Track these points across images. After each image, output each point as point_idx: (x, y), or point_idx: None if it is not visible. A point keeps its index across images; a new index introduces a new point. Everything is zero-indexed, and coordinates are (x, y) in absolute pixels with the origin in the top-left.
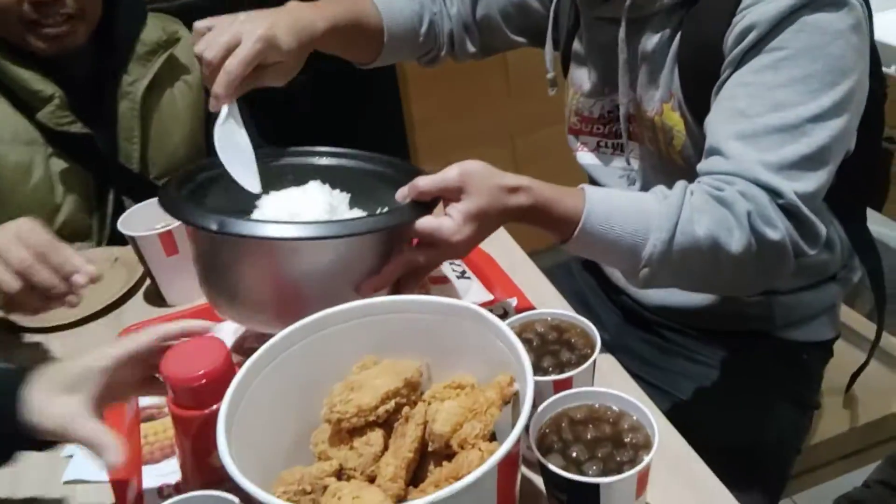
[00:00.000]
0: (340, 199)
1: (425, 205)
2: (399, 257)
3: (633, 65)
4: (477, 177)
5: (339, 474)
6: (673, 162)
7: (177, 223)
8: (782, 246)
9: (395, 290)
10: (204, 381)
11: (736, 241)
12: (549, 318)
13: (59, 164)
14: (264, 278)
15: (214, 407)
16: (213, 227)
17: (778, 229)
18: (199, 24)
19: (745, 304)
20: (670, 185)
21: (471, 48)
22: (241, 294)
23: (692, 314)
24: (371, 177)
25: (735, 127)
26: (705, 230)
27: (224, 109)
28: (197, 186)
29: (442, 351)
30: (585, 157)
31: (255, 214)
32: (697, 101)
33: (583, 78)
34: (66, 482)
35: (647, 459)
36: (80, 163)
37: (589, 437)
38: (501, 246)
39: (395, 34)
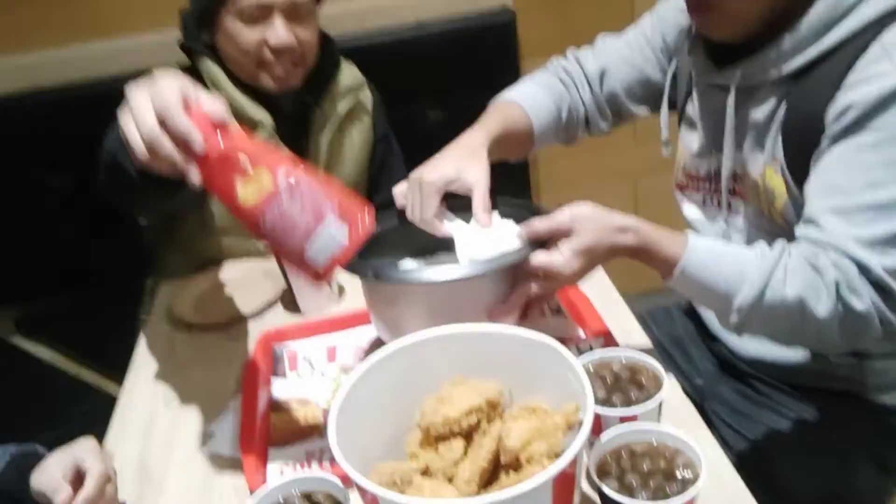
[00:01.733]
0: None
1: (541, 242)
2: (521, 288)
3: (740, 129)
4: (586, 218)
5: (424, 472)
6: (774, 221)
7: None
8: (867, 316)
9: (522, 316)
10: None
11: (823, 306)
12: (623, 359)
13: None
14: (418, 314)
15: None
16: (369, 275)
17: (864, 300)
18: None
19: (837, 364)
20: (770, 243)
21: (602, 125)
22: (397, 324)
23: (784, 369)
24: (503, 215)
25: (831, 201)
26: (795, 291)
27: None
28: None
29: (522, 377)
30: (691, 211)
31: (457, 246)
32: (799, 167)
33: (692, 139)
34: (209, 455)
35: (693, 493)
36: None
37: (645, 468)
38: (599, 287)
39: (541, 131)
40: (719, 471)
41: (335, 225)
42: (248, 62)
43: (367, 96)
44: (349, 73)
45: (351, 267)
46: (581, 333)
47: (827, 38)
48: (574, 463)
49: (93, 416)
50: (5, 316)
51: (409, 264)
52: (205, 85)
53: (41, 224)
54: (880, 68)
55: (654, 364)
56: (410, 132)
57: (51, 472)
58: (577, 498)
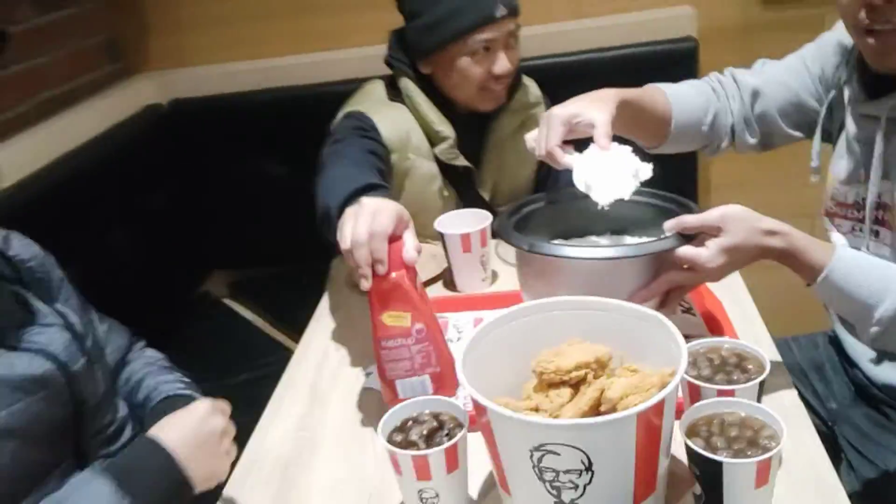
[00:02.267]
0: (645, 167)
1: (689, 236)
2: (664, 276)
3: (888, 159)
4: (736, 219)
5: (534, 411)
6: None
7: (475, 228)
8: None
9: (661, 303)
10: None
11: None
12: (733, 347)
13: (444, 183)
14: (564, 287)
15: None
16: (525, 247)
17: None
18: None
19: None
20: None
21: (750, 140)
22: (544, 295)
23: None
24: (649, 207)
25: None
26: None
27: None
28: (524, 216)
29: (632, 345)
30: (839, 238)
31: (575, 173)
32: None
33: (841, 167)
34: (364, 388)
35: (769, 454)
36: (455, 182)
37: (732, 434)
38: (740, 305)
39: (681, 122)
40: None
41: (427, 381)
42: (470, 89)
43: (541, 111)
44: (528, 91)
45: (509, 238)
46: (708, 335)
47: None
48: (659, 409)
49: (279, 366)
50: (221, 280)
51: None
52: (402, 97)
53: (257, 206)
54: None
55: (760, 352)
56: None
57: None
58: (663, 458)
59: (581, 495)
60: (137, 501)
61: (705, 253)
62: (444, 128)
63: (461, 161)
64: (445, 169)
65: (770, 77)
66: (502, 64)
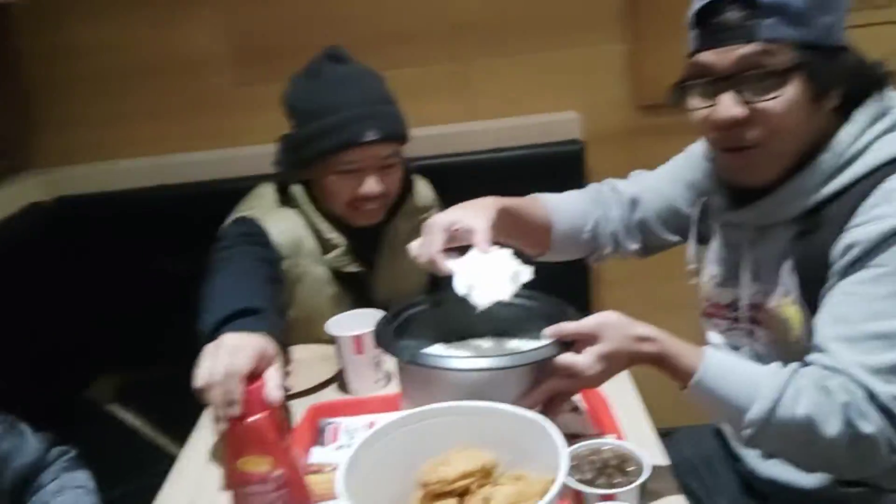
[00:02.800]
0: (525, 269)
1: (567, 343)
2: (545, 384)
3: (756, 264)
4: (611, 326)
5: None
6: (791, 349)
7: (368, 329)
8: (875, 440)
9: (544, 409)
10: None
11: (831, 426)
12: (613, 448)
13: (337, 288)
14: (445, 397)
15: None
16: (404, 358)
17: (872, 424)
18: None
19: (852, 494)
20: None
21: (632, 246)
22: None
23: (799, 493)
24: (530, 309)
25: (838, 330)
26: (805, 410)
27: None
28: (405, 320)
29: (518, 449)
30: (715, 338)
31: (455, 279)
32: (811, 300)
33: (714, 271)
34: None
35: None
36: (348, 287)
37: None
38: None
39: (561, 230)
40: None
41: None
42: (340, 205)
43: (434, 213)
44: (422, 194)
45: (389, 349)
46: (594, 432)
47: (833, 184)
48: None
49: (163, 478)
50: (107, 385)
51: (440, 349)
52: (292, 202)
53: (146, 306)
54: (880, 211)
55: (641, 454)
56: None
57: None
58: None
59: None
60: None
61: (583, 361)
62: (334, 235)
63: (353, 268)
64: (340, 273)
65: (646, 186)
66: (369, 187)
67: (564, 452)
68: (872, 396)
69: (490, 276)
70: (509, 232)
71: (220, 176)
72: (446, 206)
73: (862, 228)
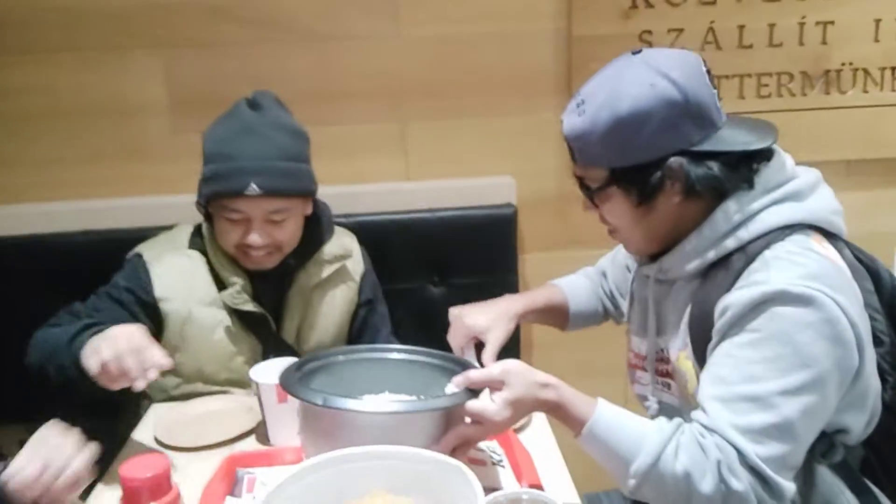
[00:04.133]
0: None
1: (475, 392)
2: (454, 431)
3: (661, 317)
4: (515, 373)
5: None
6: (694, 403)
7: None
8: (745, 497)
9: (452, 455)
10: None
11: (706, 483)
12: (533, 497)
13: (236, 329)
14: (353, 443)
15: None
16: (318, 402)
17: (742, 482)
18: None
19: None
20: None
21: (614, 314)
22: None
23: None
24: (433, 368)
25: (716, 390)
26: (683, 466)
27: None
28: (306, 373)
29: (435, 494)
30: (638, 388)
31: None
32: (701, 356)
33: (633, 321)
34: None
35: None
36: (252, 331)
37: None
38: (548, 459)
39: (577, 310)
40: None
41: None
42: (228, 247)
43: (355, 264)
44: (338, 244)
45: (298, 392)
46: (517, 485)
47: (721, 247)
48: None
49: None
50: (13, 435)
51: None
52: (198, 241)
53: None
54: (758, 277)
55: (557, 502)
56: (413, 303)
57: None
58: None
59: None
60: None
61: (492, 407)
62: (231, 273)
63: (250, 307)
64: (243, 315)
65: (610, 258)
66: (253, 238)
67: (480, 496)
68: (742, 456)
69: None
70: (533, 321)
71: (153, 224)
72: (379, 264)
73: (738, 292)
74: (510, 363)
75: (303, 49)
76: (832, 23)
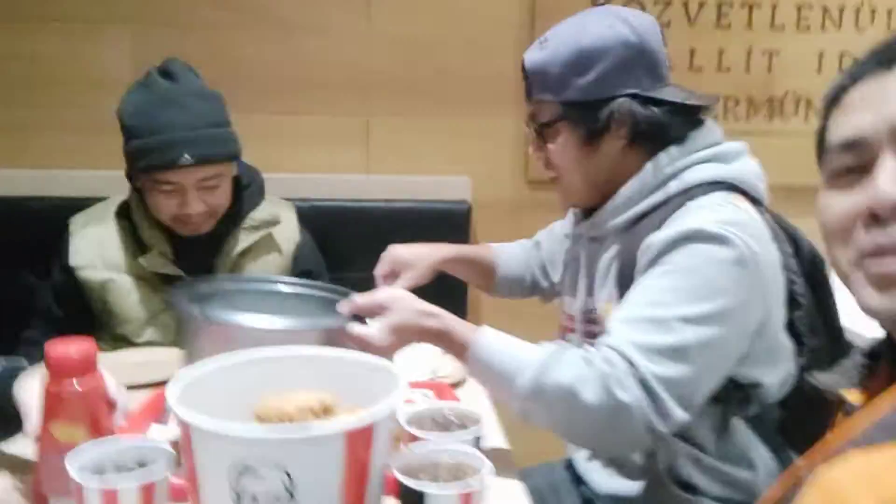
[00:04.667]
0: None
1: (361, 318)
2: None
3: (590, 273)
4: (399, 299)
5: None
6: None
7: None
8: (629, 407)
9: None
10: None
11: (589, 393)
12: (454, 408)
13: (157, 294)
14: None
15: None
16: (199, 315)
17: (628, 393)
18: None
19: (672, 495)
20: None
21: (544, 284)
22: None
23: (630, 502)
24: (325, 301)
25: (621, 313)
26: (566, 378)
27: None
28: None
29: (357, 394)
30: None
31: None
32: None
33: (566, 284)
34: None
35: (471, 488)
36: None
37: (439, 473)
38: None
39: (504, 275)
40: None
41: None
42: (164, 218)
43: (286, 233)
44: (267, 211)
45: (186, 307)
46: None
47: (649, 200)
48: (368, 434)
49: None
50: None
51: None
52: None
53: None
54: (679, 219)
55: (478, 411)
56: (365, 291)
57: (29, 392)
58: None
59: None
60: None
61: (373, 332)
62: (154, 238)
63: (168, 269)
64: (167, 279)
65: (548, 230)
66: (190, 207)
67: (403, 382)
68: (634, 368)
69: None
70: (459, 273)
71: (107, 194)
72: (334, 251)
73: (658, 232)
74: (395, 290)
75: (274, 37)
76: (778, 53)
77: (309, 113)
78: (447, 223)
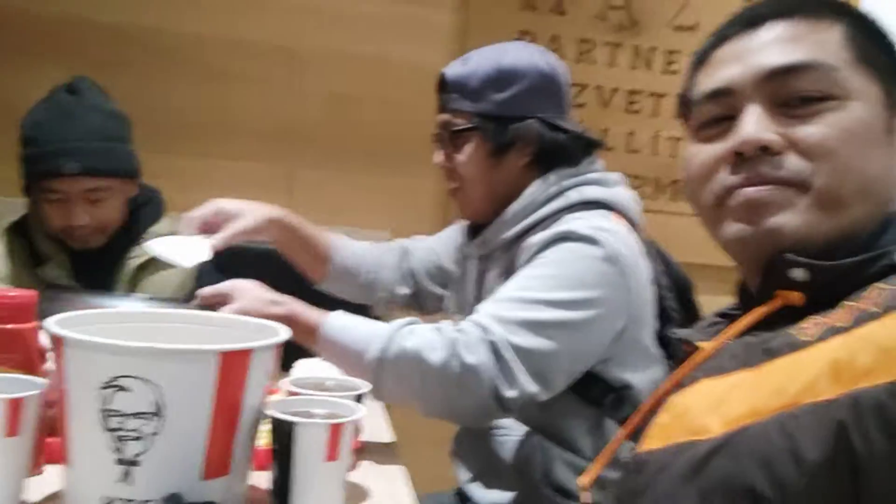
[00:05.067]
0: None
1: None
2: None
3: (479, 291)
4: (245, 289)
5: None
6: None
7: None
8: (475, 368)
9: None
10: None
11: (436, 356)
12: (338, 380)
13: None
14: None
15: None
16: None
17: (476, 356)
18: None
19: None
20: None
21: (403, 290)
22: None
23: None
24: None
25: (492, 297)
26: (412, 344)
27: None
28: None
29: None
30: None
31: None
32: None
33: (454, 301)
34: None
35: (342, 420)
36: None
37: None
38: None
39: (338, 264)
40: None
41: None
42: (53, 229)
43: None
44: (166, 226)
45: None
46: None
47: (531, 218)
48: (243, 361)
49: None
50: None
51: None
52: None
53: None
54: (556, 227)
55: (358, 383)
56: None
57: None
58: (242, 439)
59: (146, 449)
60: None
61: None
62: (50, 250)
63: (67, 282)
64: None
65: (419, 241)
66: (75, 218)
67: (285, 335)
68: (486, 333)
69: (187, 246)
70: (289, 247)
71: None
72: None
73: (536, 236)
74: (240, 281)
75: (206, 83)
76: (681, 139)
77: (235, 158)
78: None
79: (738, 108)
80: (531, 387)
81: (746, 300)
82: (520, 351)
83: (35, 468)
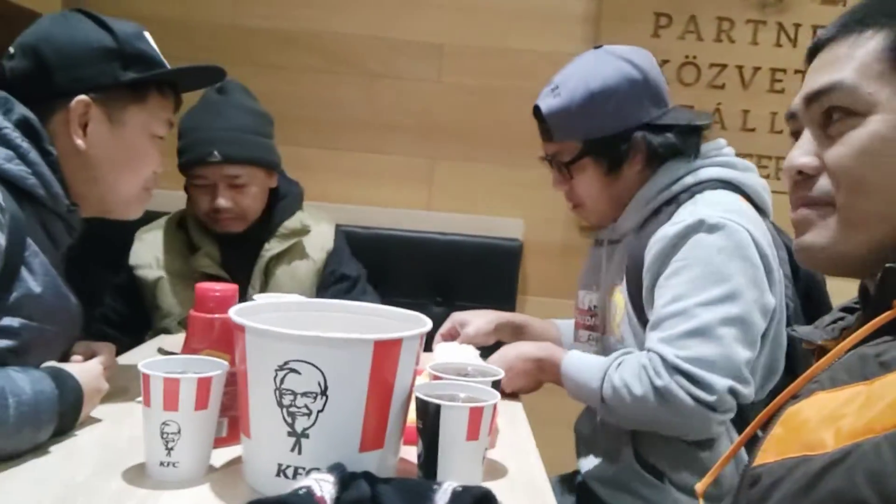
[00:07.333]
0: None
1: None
2: None
3: (610, 272)
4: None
5: None
6: (613, 331)
7: None
8: (670, 390)
9: None
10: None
11: (636, 386)
12: (477, 366)
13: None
14: None
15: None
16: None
17: (661, 378)
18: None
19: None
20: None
21: None
22: None
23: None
24: None
25: (651, 320)
26: (619, 378)
27: None
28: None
29: None
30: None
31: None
32: (630, 290)
33: (583, 278)
34: None
35: (482, 403)
36: None
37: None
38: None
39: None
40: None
41: (224, 423)
42: (200, 213)
43: (317, 241)
44: (297, 220)
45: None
46: None
47: (654, 202)
48: (395, 348)
49: None
50: None
51: None
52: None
53: None
54: (683, 214)
55: (497, 369)
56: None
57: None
58: (396, 414)
59: (313, 424)
60: (62, 398)
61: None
62: (201, 240)
63: (213, 270)
64: (210, 278)
65: None
66: (219, 201)
67: (428, 326)
68: (663, 359)
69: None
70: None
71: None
72: (388, 278)
73: (664, 228)
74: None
75: (355, 82)
76: None
77: (380, 152)
78: (499, 257)
79: (801, 131)
80: (723, 382)
81: (866, 297)
82: (697, 361)
83: (231, 440)
